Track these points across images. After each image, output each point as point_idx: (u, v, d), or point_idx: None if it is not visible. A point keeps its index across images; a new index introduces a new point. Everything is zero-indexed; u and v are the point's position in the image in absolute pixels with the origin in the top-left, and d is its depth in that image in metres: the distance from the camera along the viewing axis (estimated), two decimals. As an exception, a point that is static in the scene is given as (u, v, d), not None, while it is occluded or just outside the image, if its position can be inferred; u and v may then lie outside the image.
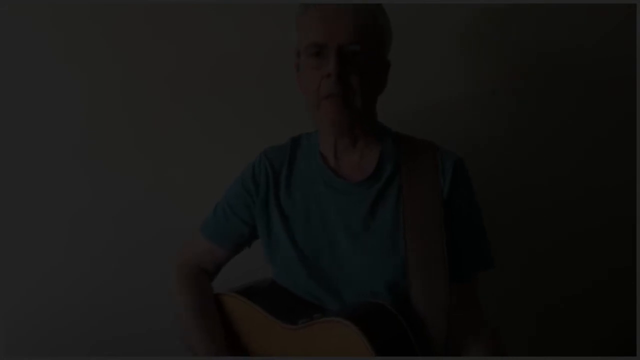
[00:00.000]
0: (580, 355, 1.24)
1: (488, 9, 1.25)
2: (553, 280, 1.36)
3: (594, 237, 1.35)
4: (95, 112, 1.28)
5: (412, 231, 0.90)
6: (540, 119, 1.31)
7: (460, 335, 0.90)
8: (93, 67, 1.26)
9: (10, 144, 1.26)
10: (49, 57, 1.25)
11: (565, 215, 1.34)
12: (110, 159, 1.29)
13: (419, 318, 0.88)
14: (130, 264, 1.31)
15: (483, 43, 1.28)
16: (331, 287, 0.94)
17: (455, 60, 1.28)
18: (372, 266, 0.91)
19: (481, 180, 1.02)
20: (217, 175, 1.27)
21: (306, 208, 0.97)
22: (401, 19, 1.01)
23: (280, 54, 1.26)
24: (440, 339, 0.87)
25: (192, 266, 1.06)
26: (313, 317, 0.88)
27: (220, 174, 1.27)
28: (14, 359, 1.30)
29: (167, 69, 1.27)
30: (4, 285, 1.29)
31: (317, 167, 0.99)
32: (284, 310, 0.94)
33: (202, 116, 1.29)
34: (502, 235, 1.13)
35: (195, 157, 1.30)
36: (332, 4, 0.88)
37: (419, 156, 0.96)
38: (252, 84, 1.28)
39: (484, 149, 1.29)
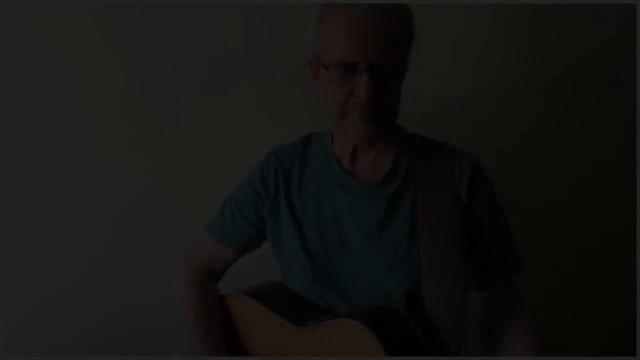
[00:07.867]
0: (580, 355, 1.24)
1: (491, 10, 1.26)
2: (553, 281, 1.36)
3: (594, 237, 1.35)
4: (95, 112, 1.28)
5: (427, 234, 0.88)
6: (543, 120, 1.31)
7: (501, 341, 0.88)
8: (93, 67, 1.26)
9: (10, 143, 1.26)
10: (49, 57, 1.25)
11: (565, 216, 1.35)
12: (110, 159, 1.29)
13: (432, 322, 0.85)
14: (130, 263, 1.31)
15: (488, 44, 1.28)
16: (341, 290, 0.92)
17: (457, 63, 1.29)
18: (385, 269, 0.89)
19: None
20: (217, 175, 1.28)
21: (318, 209, 0.95)
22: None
23: (276, 55, 1.27)
24: (454, 344, 0.84)
25: (198, 265, 1.05)
26: (322, 319, 0.86)
27: (220, 173, 1.27)
28: (14, 359, 1.30)
29: (167, 70, 1.27)
30: (4, 285, 1.29)
31: (330, 168, 0.96)
32: (292, 312, 0.92)
33: (201, 116, 1.29)
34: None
35: (195, 156, 1.30)
36: (361, 13, 0.81)
37: (434, 157, 0.93)
38: (253, 84, 1.28)
39: (485, 150, 1.29)
